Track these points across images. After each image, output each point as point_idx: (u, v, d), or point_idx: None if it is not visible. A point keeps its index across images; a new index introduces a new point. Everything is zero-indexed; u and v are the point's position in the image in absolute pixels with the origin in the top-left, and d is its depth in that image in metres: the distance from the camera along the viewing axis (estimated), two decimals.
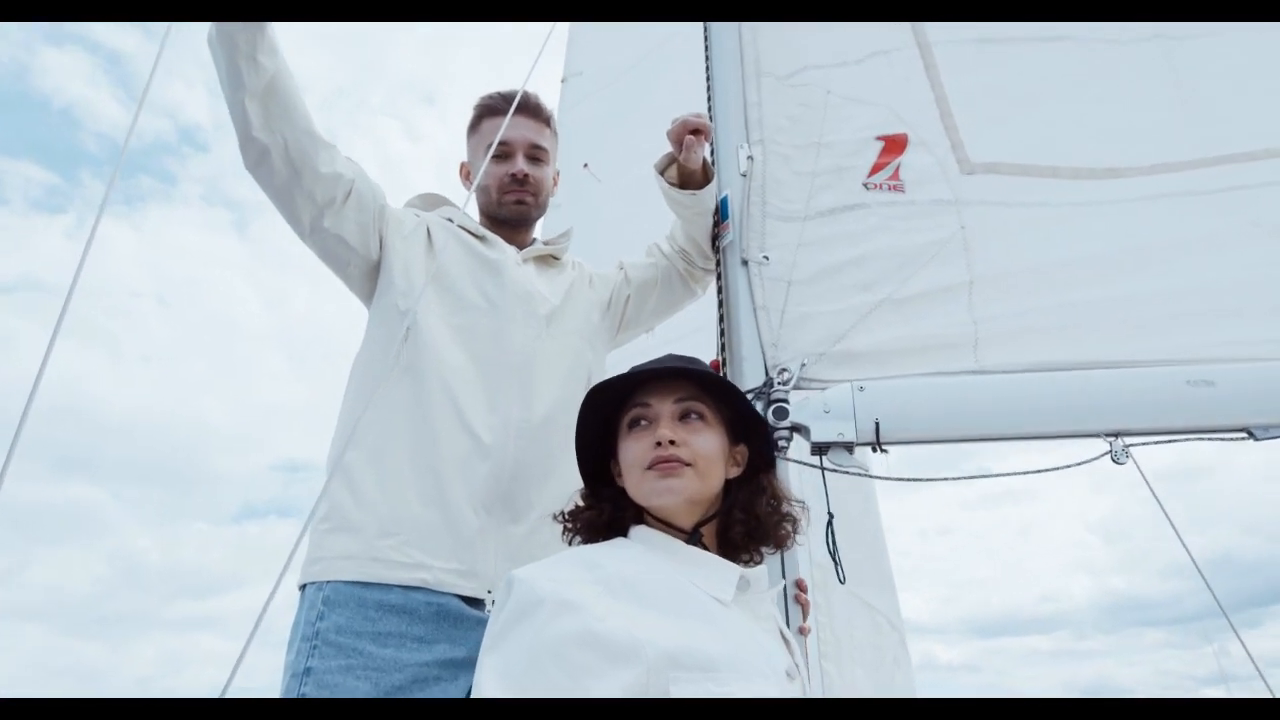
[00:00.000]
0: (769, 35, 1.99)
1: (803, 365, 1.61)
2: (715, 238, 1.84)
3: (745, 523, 1.18)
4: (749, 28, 2.00)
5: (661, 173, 1.82)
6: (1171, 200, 1.74)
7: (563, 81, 4.08)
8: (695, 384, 1.21)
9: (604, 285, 1.90)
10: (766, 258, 1.75)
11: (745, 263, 1.75)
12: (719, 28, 2.04)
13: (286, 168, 1.50)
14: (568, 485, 1.60)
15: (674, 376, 1.20)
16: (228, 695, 0.99)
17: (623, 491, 1.22)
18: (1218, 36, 1.97)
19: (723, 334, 1.73)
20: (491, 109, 1.84)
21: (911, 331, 1.65)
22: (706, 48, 2.04)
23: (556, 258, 1.86)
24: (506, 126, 1.79)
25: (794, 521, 1.21)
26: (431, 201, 1.84)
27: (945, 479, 1.52)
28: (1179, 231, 1.68)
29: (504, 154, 1.80)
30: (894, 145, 1.86)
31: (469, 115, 1.89)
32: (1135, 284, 1.63)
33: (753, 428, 1.24)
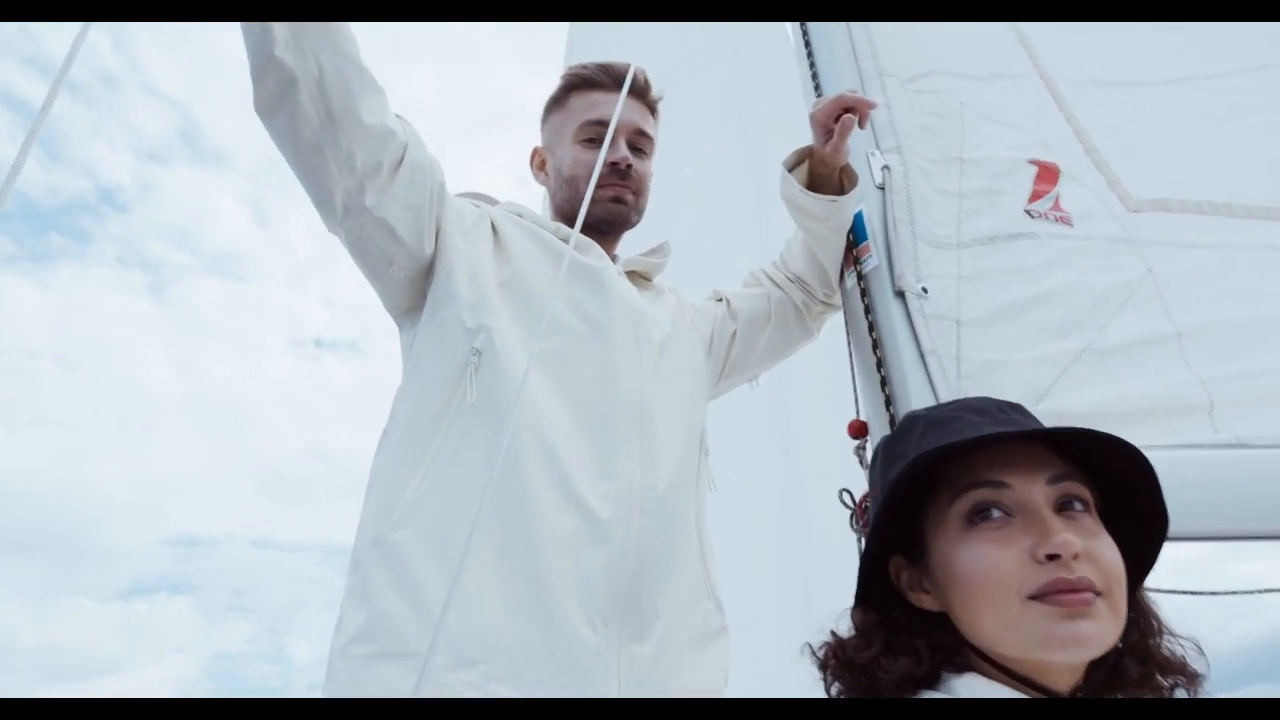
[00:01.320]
0: (884, 31, 1.65)
1: None
2: (855, 262, 1.42)
3: (1144, 679, 0.72)
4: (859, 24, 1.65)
5: (790, 171, 1.39)
6: None
7: None
8: (1058, 451, 0.75)
9: (703, 320, 1.43)
10: (925, 290, 1.34)
11: (900, 295, 1.34)
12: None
13: (319, 111, 1.01)
14: (686, 587, 1.13)
15: (1047, 440, 0.74)
16: None
17: (935, 620, 0.74)
18: None
19: (885, 383, 1.29)
20: (587, 80, 1.38)
21: (1126, 390, 1.27)
22: (807, 42, 1.67)
23: (649, 278, 1.38)
24: (607, 103, 1.35)
25: (1188, 673, 0.75)
26: (482, 201, 1.34)
27: (1241, 592, 1.12)
28: None
29: (600, 136, 1.33)
30: (1048, 173, 1.52)
31: (552, 89, 1.42)
32: None
33: (1135, 520, 0.77)
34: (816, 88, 1.62)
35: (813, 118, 1.32)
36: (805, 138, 1.39)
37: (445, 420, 1.06)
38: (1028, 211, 1.45)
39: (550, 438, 1.05)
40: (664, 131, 1.86)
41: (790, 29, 1.75)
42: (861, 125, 1.29)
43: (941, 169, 1.50)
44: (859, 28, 1.64)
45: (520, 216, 1.31)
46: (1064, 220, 1.46)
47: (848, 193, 1.36)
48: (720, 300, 1.51)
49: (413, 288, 1.20)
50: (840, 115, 1.28)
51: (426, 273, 1.20)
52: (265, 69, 0.98)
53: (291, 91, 0.99)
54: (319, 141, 1.03)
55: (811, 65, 1.65)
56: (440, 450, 1.05)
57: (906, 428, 0.78)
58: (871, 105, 1.29)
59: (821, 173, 1.36)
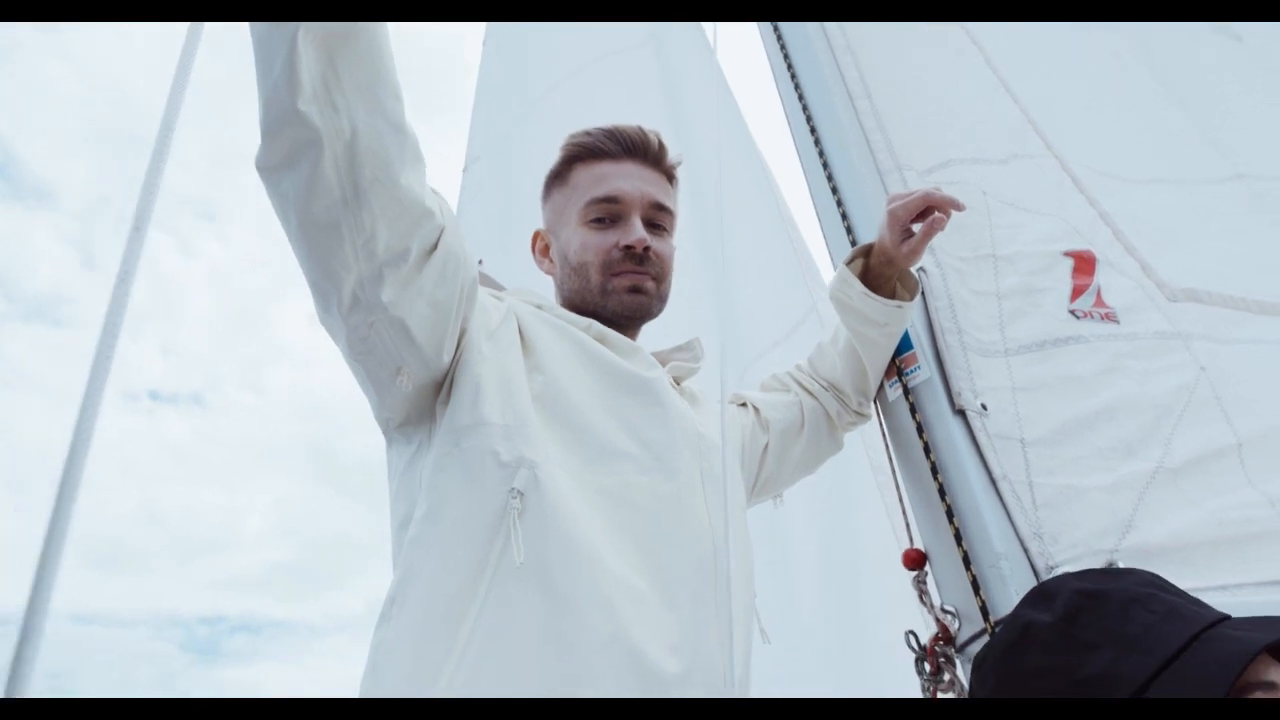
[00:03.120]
0: (896, 121, 1.56)
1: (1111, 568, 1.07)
2: (898, 372, 1.30)
3: None
4: (866, 107, 1.56)
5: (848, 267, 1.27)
6: None
7: (463, 171, 3.52)
8: None
9: (732, 429, 1.28)
10: (984, 406, 1.23)
11: (961, 413, 1.22)
12: (822, 108, 1.59)
13: (343, 182, 0.82)
14: None
15: None
16: None
17: None
18: None
19: (951, 514, 1.16)
20: (591, 149, 1.22)
21: (1204, 515, 1.18)
22: (813, 131, 1.57)
23: (680, 383, 1.23)
24: (617, 175, 1.20)
25: None
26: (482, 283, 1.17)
27: None
28: None
29: (610, 215, 1.19)
30: (1085, 264, 1.44)
31: (551, 161, 1.26)
32: None
33: None
34: (829, 178, 1.52)
35: (892, 214, 1.20)
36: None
37: (481, 584, 0.86)
38: (1072, 311, 1.37)
39: (619, 609, 0.87)
40: None
41: (794, 120, 1.66)
42: (943, 227, 1.18)
43: (974, 268, 1.41)
44: (870, 117, 1.55)
45: (541, 309, 1.14)
46: (1109, 317, 1.38)
47: (909, 297, 1.25)
48: (744, 406, 1.36)
49: (418, 399, 1.00)
50: (925, 213, 1.17)
51: (438, 388, 1.00)
52: (283, 122, 0.78)
53: (311, 154, 0.79)
54: (335, 218, 0.83)
55: (821, 155, 1.55)
56: (478, 627, 0.85)
57: (1134, 598, 0.66)
58: (960, 206, 1.18)
59: (884, 273, 1.24)
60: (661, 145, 1.24)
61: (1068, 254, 1.44)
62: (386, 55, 0.83)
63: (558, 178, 1.25)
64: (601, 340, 1.11)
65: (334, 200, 0.82)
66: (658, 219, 1.22)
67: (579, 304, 1.19)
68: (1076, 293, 1.40)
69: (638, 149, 1.22)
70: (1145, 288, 1.46)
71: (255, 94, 0.79)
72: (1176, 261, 1.54)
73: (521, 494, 0.90)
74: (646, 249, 1.17)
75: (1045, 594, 0.81)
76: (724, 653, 0.90)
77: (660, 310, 1.23)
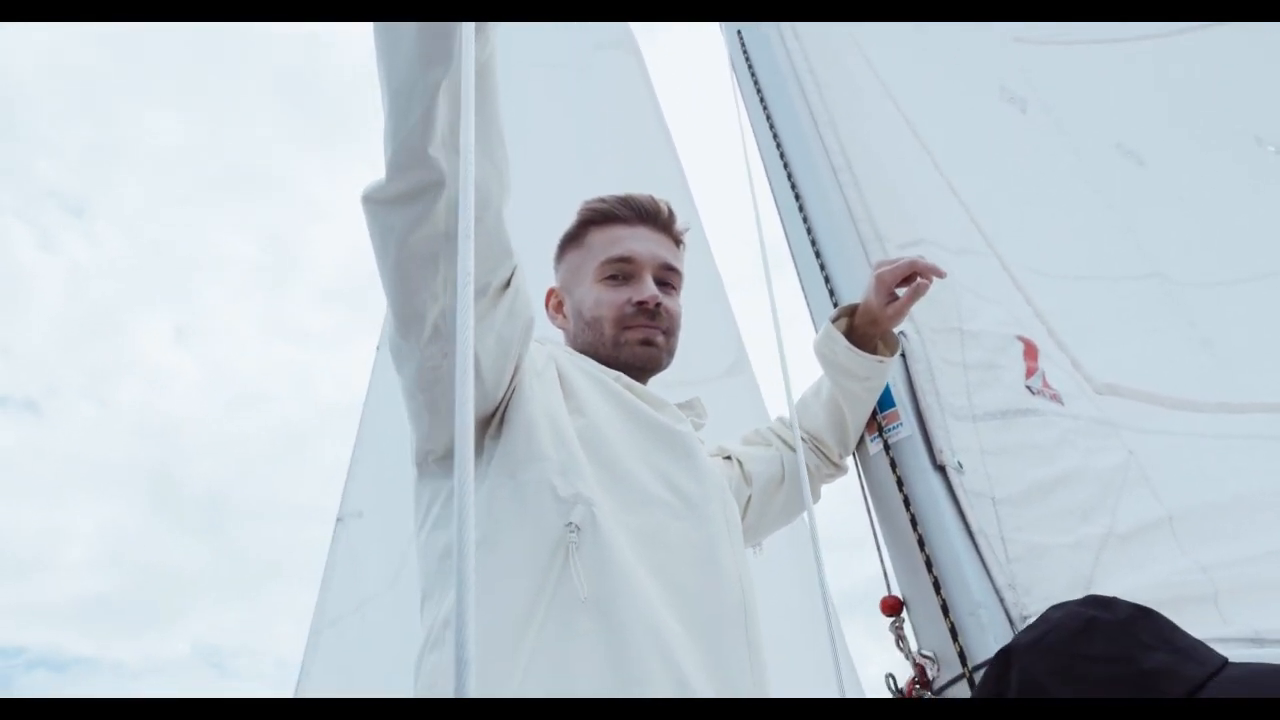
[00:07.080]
0: (876, 197, 1.68)
1: None
2: (879, 429, 1.37)
3: None
4: (849, 179, 1.67)
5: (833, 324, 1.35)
6: None
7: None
8: None
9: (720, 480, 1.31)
10: (960, 464, 1.31)
11: (941, 469, 1.30)
12: (806, 173, 1.69)
13: (451, 217, 0.87)
14: None
15: None
16: None
17: None
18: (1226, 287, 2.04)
19: (930, 565, 1.22)
20: (606, 214, 1.28)
21: (1149, 578, 1.29)
22: (798, 196, 1.66)
23: None
24: (630, 238, 1.26)
25: None
26: None
27: None
28: None
29: (624, 274, 1.24)
30: (1032, 350, 1.58)
31: (567, 225, 1.32)
32: None
33: None
34: (815, 247, 1.61)
35: (879, 278, 1.30)
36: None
37: (538, 611, 0.89)
38: (1028, 387, 1.49)
39: (668, 642, 0.89)
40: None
41: (776, 182, 1.75)
42: (925, 292, 1.28)
43: (944, 339, 1.52)
44: (853, 190, 1.66)
45: (573, 355, 1.17)
46: (1056, 399, 1.51)
47: (890, 355, 1.33)
48: (729, 459, 1.41)
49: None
50: (909, 279, 1.26)
51: (489, 418, 1.02)
52: (413, 164, 0.83)
53: (432, 193, 0.85)
54: (434, 251, 0.88)
55: (805, 220, 1.64)
56: (537, 652, 0.86)
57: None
58: (942, 274, 1.28)
59: (868, 332, 1.33)
60: (671, 213, 1.33)
61: (1019, 338, 1.58)
62: (499, 105, 0.90)
63: (573, 240, 1.31)
64: (630, 390, 1.15)
65: (438, 234, 0.87)
66: (667, 278, 1.28)
67: (591, 356, 1.24)
68: (1029, 373, 1.52)
69: (649, 215, 1.29)
70: (1076, 380, 1.61)
71: (383, 135, 0.84)
72: (1100, 357, 1.71)
73: (579, 528, 0.93)
74: (658, 305, 1.24)
75: (1103, 601, 0.86)
76: (754, 683, 0.93)
77: (669, 363, 1.29)
